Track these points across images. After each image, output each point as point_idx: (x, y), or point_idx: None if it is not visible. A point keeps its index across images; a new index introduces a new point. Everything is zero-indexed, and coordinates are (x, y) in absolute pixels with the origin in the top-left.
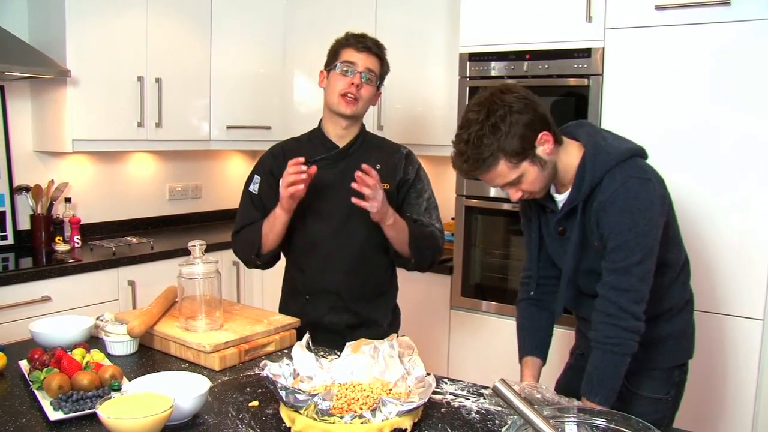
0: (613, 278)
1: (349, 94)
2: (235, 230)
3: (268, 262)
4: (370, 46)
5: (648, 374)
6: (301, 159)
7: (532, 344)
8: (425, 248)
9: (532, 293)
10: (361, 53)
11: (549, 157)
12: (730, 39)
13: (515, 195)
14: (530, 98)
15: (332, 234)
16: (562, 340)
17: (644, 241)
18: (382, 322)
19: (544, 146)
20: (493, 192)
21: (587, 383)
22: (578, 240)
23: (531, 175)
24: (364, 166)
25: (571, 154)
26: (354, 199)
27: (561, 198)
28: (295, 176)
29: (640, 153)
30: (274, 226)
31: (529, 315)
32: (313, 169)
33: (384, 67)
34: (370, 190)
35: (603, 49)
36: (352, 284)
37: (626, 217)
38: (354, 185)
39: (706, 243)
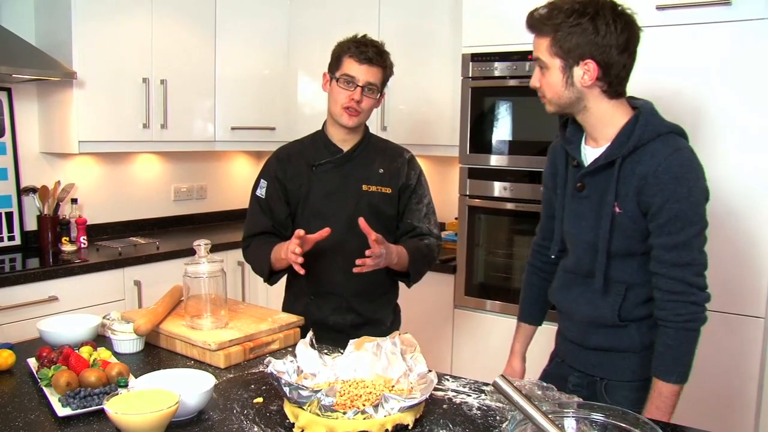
0: (674, 255)
1: (350, 108)
2: (245, 236)
3: (278, 280)
4: (372, 57)
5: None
6: (301, 233)
7: (532, 311)
8: (423, 266)
9: (553, 256)
10: (362, 65)
11: (580, 86)
12: (730, 39)
13: (535, 81)
14: (632, 42)
15: (336, 237)
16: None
17: (700, 212)
18: (385, 321)
19: (582, 73)
20: (496, 192)
21: (660, 363)
22: (613, 200)
23: (553, 77)
24: (371, 239)
25: (619, 112)
26: (356, 270)
27: (593, 152)
28: (295, 256)
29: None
30: (280, 261)
31: (537, 283)
32: (326, 231)
33: (386, 74)
34: (375, 261)
35: None
36: (355, 285)
37: (683, 186)
38: (355, 270)
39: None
